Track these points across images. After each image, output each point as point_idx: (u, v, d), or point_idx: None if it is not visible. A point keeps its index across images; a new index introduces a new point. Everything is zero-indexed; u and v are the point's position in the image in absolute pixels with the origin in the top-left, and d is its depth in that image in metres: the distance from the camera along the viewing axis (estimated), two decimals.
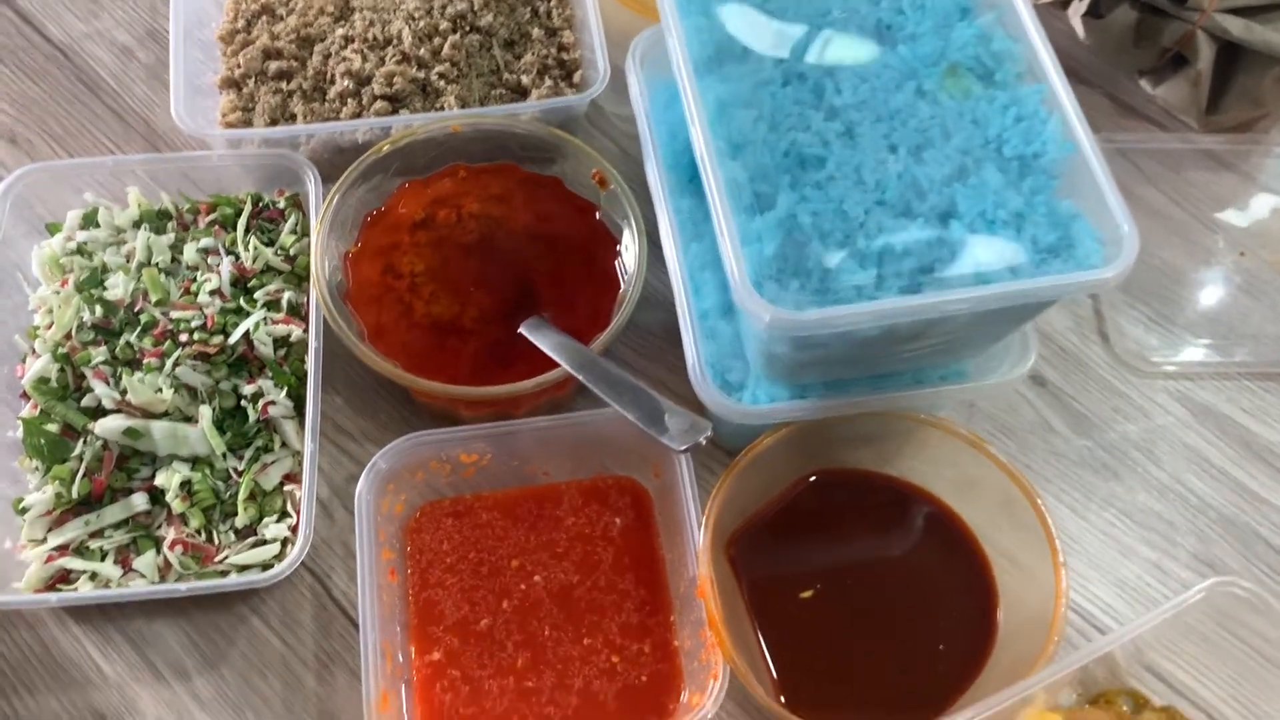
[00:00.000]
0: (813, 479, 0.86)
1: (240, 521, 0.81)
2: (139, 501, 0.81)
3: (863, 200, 0.72)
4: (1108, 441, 0.94)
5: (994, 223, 0.71)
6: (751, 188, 0.72)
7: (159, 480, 0.81)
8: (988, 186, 0.72)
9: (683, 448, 0.72)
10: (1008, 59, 0.78)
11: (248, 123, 0.96)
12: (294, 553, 0.77)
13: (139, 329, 0.85)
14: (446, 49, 0.97)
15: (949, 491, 0.85)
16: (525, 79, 0.98)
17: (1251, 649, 0.78)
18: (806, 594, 0.82)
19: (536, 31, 1.01)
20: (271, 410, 0.83)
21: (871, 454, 0.86)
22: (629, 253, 0.88)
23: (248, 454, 0.83)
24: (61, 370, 0.84)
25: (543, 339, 0.83)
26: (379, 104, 0.95)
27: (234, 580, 0.78)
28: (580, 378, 0.79)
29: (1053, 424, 0.94)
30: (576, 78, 0.99)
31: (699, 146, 0.72)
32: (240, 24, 1.01)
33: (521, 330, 0.85)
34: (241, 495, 0.81)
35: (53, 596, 0.77)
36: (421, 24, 0.98)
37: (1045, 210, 0.72)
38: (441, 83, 0.96)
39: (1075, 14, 1.06)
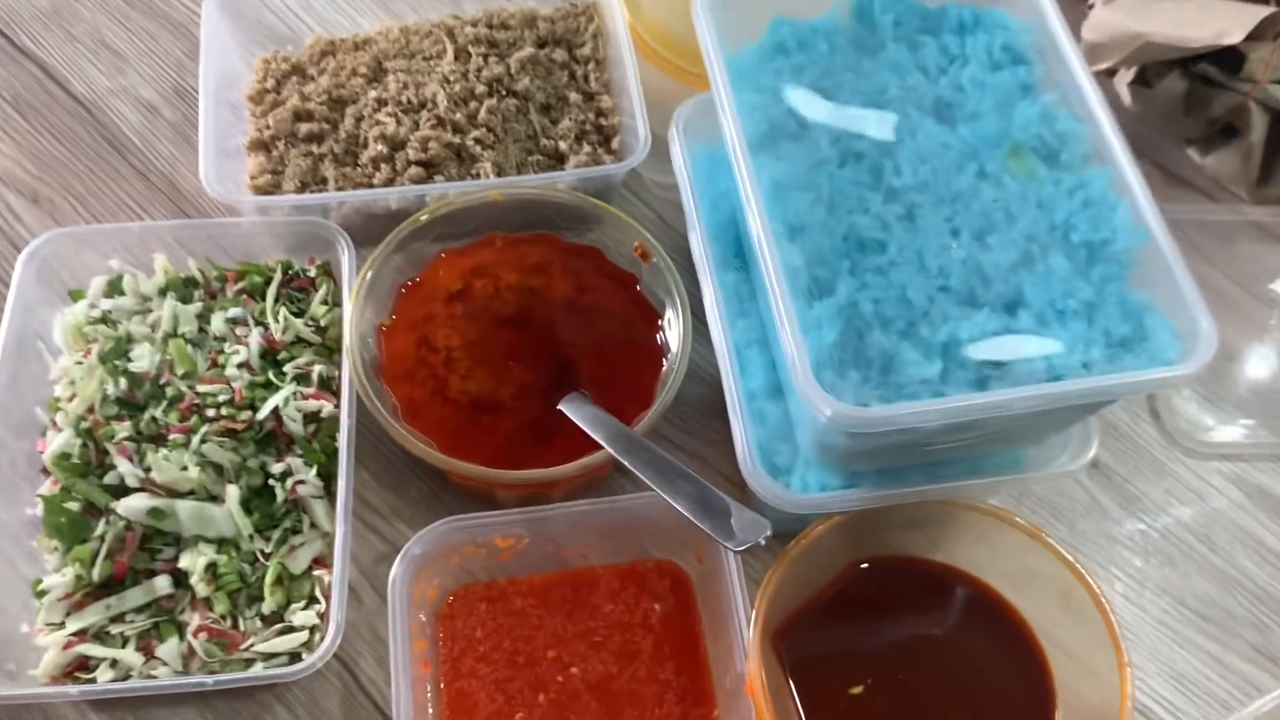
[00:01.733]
0: (863, 566, 0.82)
1: (267, 607, 0.78)
2: (162, 585, 0.78)
3: (925, 287, 0.69)
4: (1161, 525, 0.91)
5: (1064, 313, 0.69)
6: (809, 272, 0.69)
7: (183, 562, 0.78)
8: (1055, 275, 0.70)
9: (740, 548, 0.69)
10: (1073, 140, 0.75)
11: (277, 185, 0.94)
12: (324, 646, 0.74)
13: (164, 403, 0.82)
14: (483, 114, 0.95)
15: (1004, 581, 0.82)
16: (563, 145, 0.96)
17: None
18: (856, 689, 0.78)
19: (574, 96, 0.99)
20: (300, 490, 0.80)
21: (924, 540, 0.83)
22: (672, 329, 0.85)
23: (275, 535, 0.80)
24: (84, 446, 0.81)
25: (584, 417, 0.80)
26: (413, 170, 0.92)
27: (261, 673, 0.74)
28: (625, 462, 0.75)
29: (1104, 506, 0.91)
30: (615, 143, 0.97)
31: (755, 229, 0.69)
32: (270, 84, 0.99)
33: (561, 407, 0.82)
34: (269, 579, 0.78)
35: (73, 689, 0.73)
36: (457, 87, 0.96)
37: (1117, 300, 0.69)
38: (477, 148, 0.94)
39: (1122, 82, 1.04)
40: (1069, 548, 0.86)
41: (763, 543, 0.69)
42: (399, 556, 0.77)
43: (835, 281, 0.69)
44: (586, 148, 0.96)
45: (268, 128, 0.96)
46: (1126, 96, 1.04)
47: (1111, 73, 1.05)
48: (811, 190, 0.72)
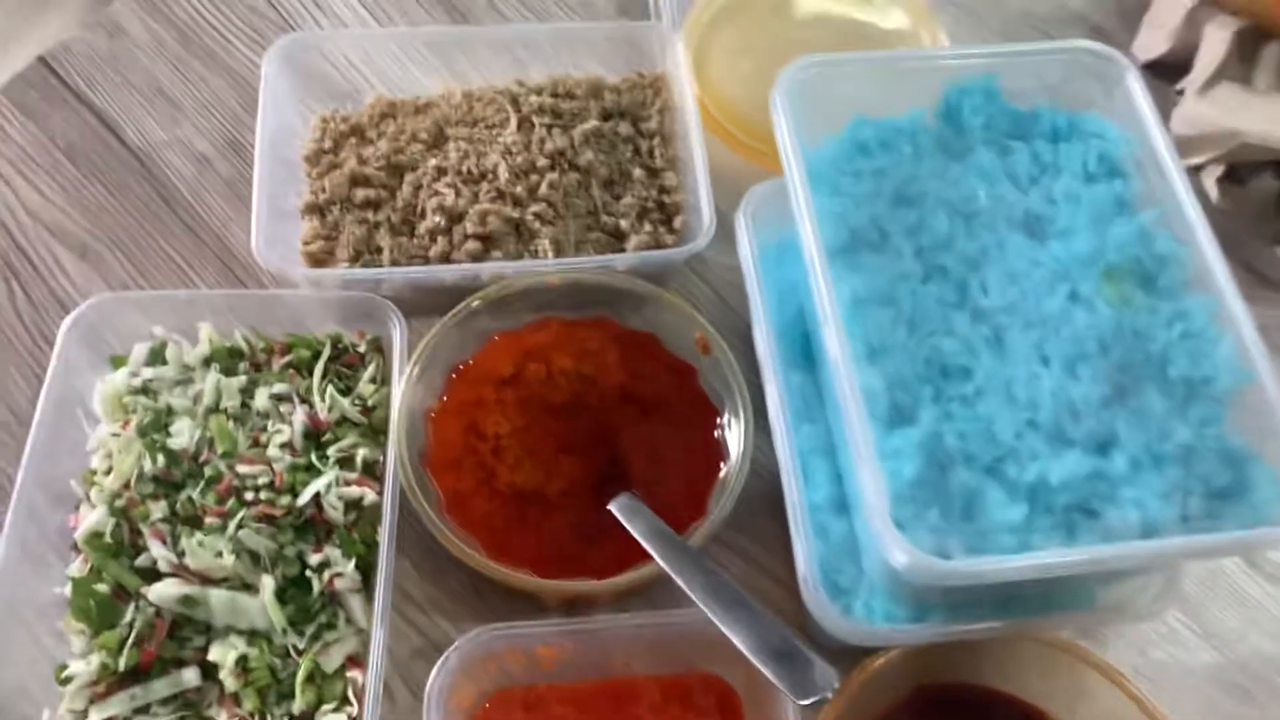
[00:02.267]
0: (924, 695, 0.78)
1: (297, 707, 0.74)
2: (190, 677, 0.75)
3: (1013, 421, 0.65)
4: (1239, 657, 0.85)
5: (1159, 457, 0.64)
6: (889, 397, 0.65)
7: (213, 654, 0.75)
8: (1150, 412, 0.66)
9: (806, 701, 0.64)
10: (1173, 263, 0.71)
11: (330, 253, 0.91)
12: None
13: (203, 483, 0.79)
14: (544, 188, 0.91)
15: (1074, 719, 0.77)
16: (623, 223, 0.93)
17: None
18: None
19: (638, 172, 0.95)
20: (338, 584, 0.77)
21: (991, 669, 0.78)
22: (732, 430, 0.81)
23: (309, 630, 0.76)
24: (117, 525, 0.78)
25: (635, 524, 0.76)
26: (470, 244, 0.89)
27: None
28: (679, 581, 0.71)
29: (1179, 634, 0.86)
30: (677, 223, 0.93)
31: (832, 347, 0.65)
32: (328, 144, 0.96)
33: (611, 508, 0.78)
34: (300, 677, 0.74)
35: None
36: (519, 159, 0.93)
37: (1216, 446, 0.65)
38: (537, 224, 0.90)
39: (1210, 177, 0.99)
40: (1141, 677, 0.82)
41: (830, 697, 0.64)
42: (436, 666, 0.73)
43: (917, 409, 0.65)
44: (648, 226, 0.93)
45: (323, 190, 0.93)
46: (1214, 192, 0.99)
47: (1199, 168, 1.00)
48: (892, 307, 0.68)
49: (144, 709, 0.74)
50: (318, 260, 0.91)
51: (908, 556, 0.58)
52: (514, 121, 0.95)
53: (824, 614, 0.70)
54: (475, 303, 0.83)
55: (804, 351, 0.81)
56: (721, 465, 0.81)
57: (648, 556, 0.75)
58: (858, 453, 0.62)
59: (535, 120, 0.95)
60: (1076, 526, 0.62)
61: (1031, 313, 0.69)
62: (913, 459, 0.63)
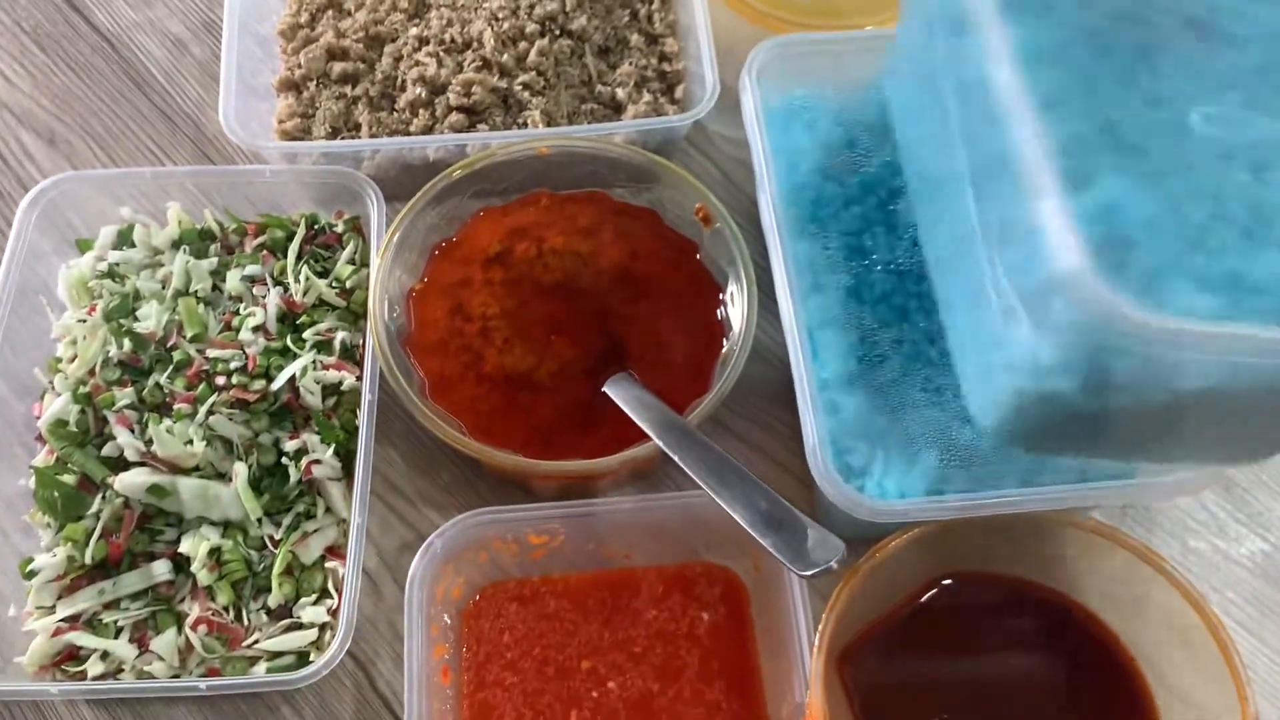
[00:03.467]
0: (945, 583, 0.72)
1: (274, 600, 0.70)
2: (161, 570, 0.71)
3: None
4: None
5: None
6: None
7: (184, 546, 0.71)
8: None
9: (808, 572, 0.58)
10: None
11: (307, 130, 0.85)
12: (332, 649, 0.66)
13: (171, 368, 0.74)
14: (533, 55, 0.85)
15: (1110, 609, 0.71)
16: (620, 92, 0.86)
17: None
18: None
19: (635, 38, 0.88)
20: (316, 470, 0.72)
21: (1015, 556, 0.72)
22: (735, 304, 0.75)
23: (286, 520, 0.72)
24: (82, 413, 0.73)
25: (630, 402, 0.71)
26: (454, 116, 0.83)
27: (263, 678, 0.67)
28: (676, 458, 0.66)
29: (1222, 522, 0.80)
30: (679, 93, 0.87)
31: (1005, 91, 0.54)
32: (304, 18, 0.90)
33: (606, 389, 0.73)
34: (277, 569, 0.70)
35: (53, 687, 0.66)
36: (506, 25, 0.86)
37: None
38: (526, 94, 0.84)
39: None
40: (1181, 567, 0.76)
41: (835, 567, 0.59)
42: (419, 552, 0.69)
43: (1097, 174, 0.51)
44: (647, 96, 0.86)
45: (299, 66, 0.87)
46: None
47: None
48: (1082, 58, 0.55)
49: (113, 604, 0.71)
50: (293, 139, 0.85)
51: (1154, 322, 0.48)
52: None
53: (835, 490, 0.65)
54: (457, 173, 0.78)
55: (812, 218, 0.74)
56: (724, 343, 0.75)
57: (645, 440, 0.69)
58: (1045, 201, 0.51)
59: None
60: None
61: None
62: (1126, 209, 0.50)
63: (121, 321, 0.76)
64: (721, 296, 0.77)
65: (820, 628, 0.65)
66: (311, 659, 0.68)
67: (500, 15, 0.87)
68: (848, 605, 0.67)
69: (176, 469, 0.72)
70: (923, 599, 0.72)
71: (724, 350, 0.75)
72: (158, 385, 0.74)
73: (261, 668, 0.68)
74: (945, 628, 0.72)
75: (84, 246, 0.81)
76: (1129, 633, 0.71)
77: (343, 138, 0.84)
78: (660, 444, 0.67)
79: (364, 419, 0.72)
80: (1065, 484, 0.66)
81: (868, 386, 0.69)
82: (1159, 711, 0.69)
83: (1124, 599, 0.70)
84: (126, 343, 0.75)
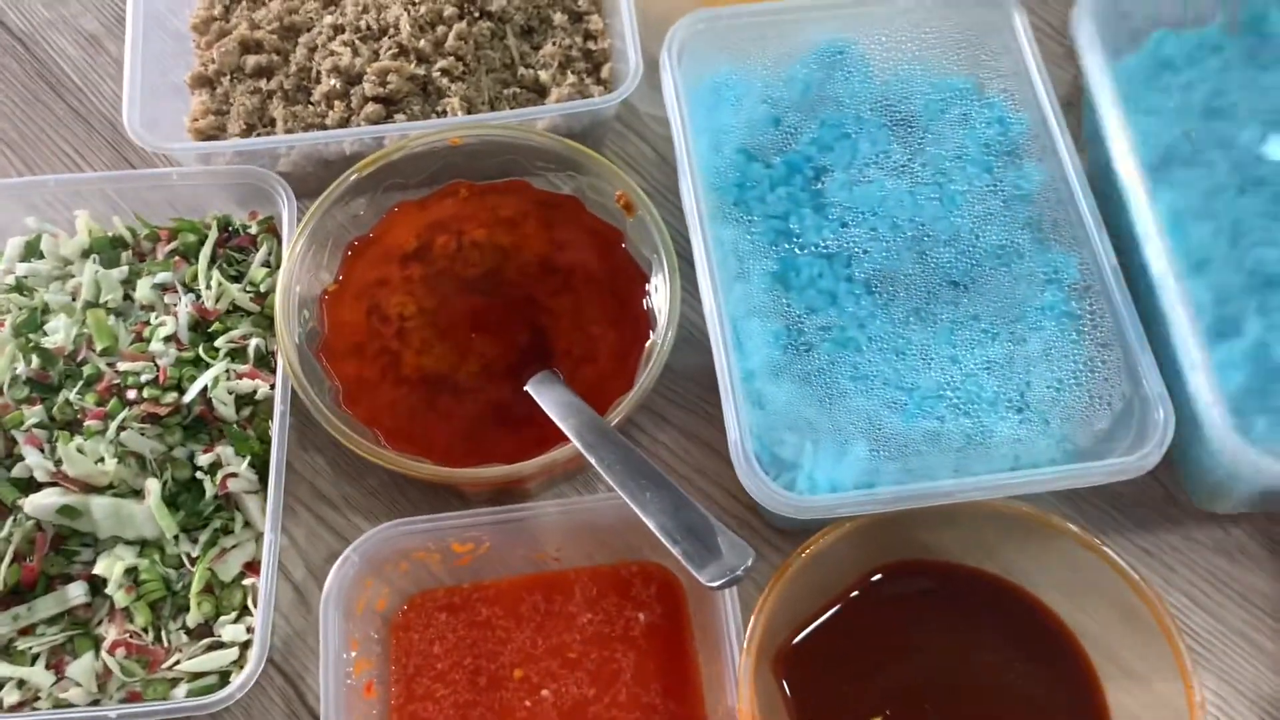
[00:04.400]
0: (881, 577, 0.70)
1: (193, 619, 0.68)
2: (76, 593, 0.69)
3: None
4: (1250, 525, 0.76)
5: None
6: (1215, 310, 0.66)
7: (99, 568, 0.69)
8: None
9: (714, 583, 0.56)
10: None
11: (221, 127, 0.82)
12: (249, 667, 0.64)
13: (81, 383, 0.72)
14: (451, 40, 0.82)
15: (1055, 594, 0.69)
16: (544, 74, 0.83)
17: None
18: None
19: (559, 17, 0.85)
20: (232, 484, 0.70)
21: (956, 542, 0.70)
22: (660, 294, 0.73)
23: (204, 537, 0.70)
24: None
25: (550, 401, 0.69)
26: (371, 107, 0.80)
27: (178, 704, 0.65)
28: (590, 459, 0.64)
29: (1177, 497, 0.77)
30: (605, 72, 0.84)
31: (1156, 263, 0.66)
32: (218, 10, 0.87)
33: (527, 389, 0.70)
34: (195, 587, 0.68)
35: None
36: (423, 9, 0.83)
37: None
38: (445, 80, 0.81)
39: None
40: (1136, 550, 0.74)
41: (741, 576, 0.56)
42: (335, 566, 0.67)
43: (1243, 320, 0.66)
44: (571, 78, 0.83)
45: (212, 61, 0.85)
46: None
47: None
48: (1212, 220, 0.69)
49: (29, 629, 0.69)
50: (207, 138, 0.82)
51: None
52: None
53: (759, 488, 0.63)
54: (369, 167, 0.75)
55: (737, 201, 0.72)
56: (650, 334, 0.73)
57: (568, 441, 0.67)
58: (1193, 365, 0.63)
59: None
60: None
61: None
62: (1241, 369, 0.64)
63: (30, 337, 0.74)
64: (647, 286, 0.75)
65: (749, 629, 0.63)
66: (232, 679, 0.66)
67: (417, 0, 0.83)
68: (777, 605, 0.65)
69: (89, 488, 0.70)
70: (859, 593, 0.70)
71: (649, 343, 0.72)
72: (67, 402, 0.72)
73: (183, 689, 0.67)
74: (884, 620, 0.70)
75: None
76: (1072, 614, 0.70)
77: (258, 134, 0.82)
78: (576, 444, 0.65)
79: (277, 431, 0.70)
80: (999, 472, 0.64)
81: (795, 376, 0.67)
82: (1105, 689, 0.67)
83: (1065, 582, 0.69)
84: (35, 359, 0.73)
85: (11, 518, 0.70)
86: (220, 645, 0.68)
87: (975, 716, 0.68)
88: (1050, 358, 0.66)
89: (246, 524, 0.71)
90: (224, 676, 0.68)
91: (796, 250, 0.70)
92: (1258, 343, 0.66)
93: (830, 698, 0.68)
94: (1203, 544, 0.76)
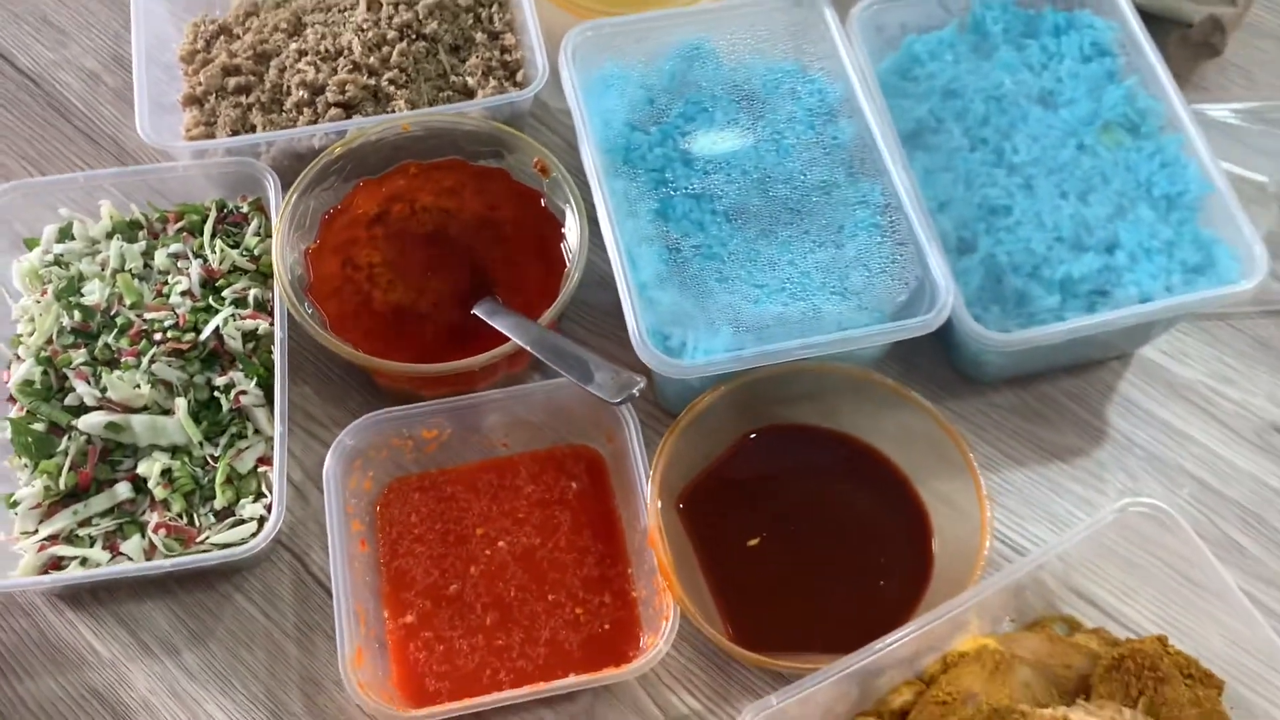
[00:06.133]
0: (755, 435, 0.91)
1: (219, 504, 0.86)
2: (123, 490, 0.86)
3: (1044, 239, 0.90)
4: (1038, 391, 0.99)
5: (1150, 250, 0.90)
6: (956, 234, 0.91)
7: (141, 470, 0.87)
8: (1142, 221, 0.91)
9: (617, 399, 0.78)
10: (1151, 114, 0.96)
11: (210, 136, 1.02)
12: (269, 526, 0.83)
13: (116, 331, 0.90)
14: (395, 56, 1.03)
15: (885, 440, 0.91)
16: (471, 80, 1.04)
17: (1168, 566, 0.83)
18: (753, 541, 0.87)
19: (480, 36, 1.07)
20: (243, 400, 0.89)
21: (812, 410, 0.92)
22: (572, 233, 0.94)
23: (223, 441, 0.88)
24: (45, 373, 0.89)
25: (494, 317, 0.89)
26: (333, 111, 1.01)
27: (212, 555, 0.83)
28: (529, 349, 0.84)
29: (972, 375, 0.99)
30: (519, 76, 1.05)
31: (909, 205, 0.89)
32: (200, 44, 1.07)
33: (475, 311, 0.91)
34: (219, 479, 0.86)
35: (45, 579, 0.82)
36: (370, 34, 1.04)
37: (1190, 238, 0.91)
38: (391, 88, 1.02)
39: None
40: (954, 414, 0.95)
41: (636, 394, 0.79)
42: (332, 447, 0.86)
43: (976, 240, 0.91)
44: (493, 82, 1.04)
45: (200, 84, 1.04)
46: None
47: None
48: (952, 171, 0.93)
49: (86, 522, 0.86)
50: None
51: (985, 338, 0.85)
52: (363, 3, 1.06)
53: (653, 358, 0.82)
54: (338, 150, 0.95)
55: (625, 160, 0.93)
56: (567, 264, 0.94)
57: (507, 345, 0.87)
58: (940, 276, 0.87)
59: (383, 0, 1.06)
60: (1095, 304, 0.88)
61: (1051, 162, 0.93)
62: (977, 274, 0.89)
63: (70, 299, 0.92)
64: (563, 231, 0.96)
65: (652, 467, 0.84)
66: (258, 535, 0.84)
67: (365, 26, 1.05)
68: (674, 453, 0.85)
69: (128, 409, 0.88)
70: (738, 448, 0.91)
71: (566, 269, 0.93)
72: (106, 345, 0.90)
73: (212, 554, 0.84)
74: (759, 468, 0.91)
75: (31, 244, 0.97)
76: (902, 456, 0.90)
77: (240, 136, 1.01)
78: (517, 340, 0.86)
79: (279, 352, 0.89)
80: (830, 333, 0.85)
81: (676, 284, 0.87)
82: (929, 513, 0.89)
83: (892, 431, 0.90)
84: (77, 314, 0.91)
85: (67, 435, 0.87)
86: (241, 521, 0.86)
87: (830, 535, 0.88)
88: (862, 257, 0.88)
89: (256, 430, 0.89)
90: (245, 544, 0.85)
91: (672, 193, 0.91)
92: (987, 255, 0.90)
93: (720, 526, 0.88)
94: (1004, 408, 0.99)
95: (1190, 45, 1.09)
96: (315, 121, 1.01)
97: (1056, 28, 1.01)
